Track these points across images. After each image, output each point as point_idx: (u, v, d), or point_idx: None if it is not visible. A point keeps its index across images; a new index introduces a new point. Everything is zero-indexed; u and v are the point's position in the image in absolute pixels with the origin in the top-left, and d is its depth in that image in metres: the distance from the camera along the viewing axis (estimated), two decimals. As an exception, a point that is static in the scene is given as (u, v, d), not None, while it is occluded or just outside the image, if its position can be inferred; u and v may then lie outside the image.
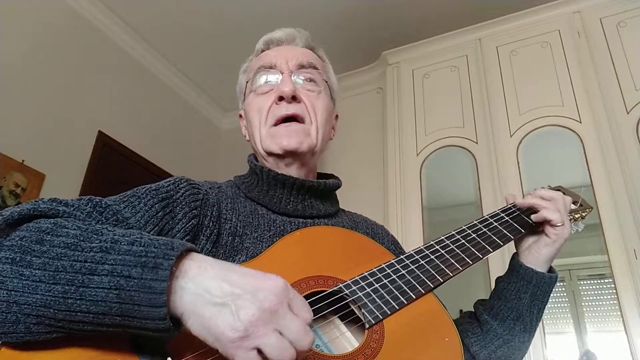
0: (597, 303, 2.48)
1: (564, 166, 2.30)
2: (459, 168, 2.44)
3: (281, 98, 0.76)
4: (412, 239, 2.18)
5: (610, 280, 1.83)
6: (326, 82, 0.83)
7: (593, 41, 2.22)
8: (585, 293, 2.52)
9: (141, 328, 0.44)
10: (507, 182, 2.12)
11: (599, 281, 2.49)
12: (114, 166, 2.80)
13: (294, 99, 0.76)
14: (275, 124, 0.76)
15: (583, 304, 2.50)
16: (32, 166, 2.35)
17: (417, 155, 2.40)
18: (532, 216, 0.78)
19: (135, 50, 3.08)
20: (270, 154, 0.77)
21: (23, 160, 2.31)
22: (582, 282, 2.54)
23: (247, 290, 0.44)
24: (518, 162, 2.15)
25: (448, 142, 2.36)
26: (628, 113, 2.02)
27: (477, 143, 2.29)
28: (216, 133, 3.80)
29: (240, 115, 0.87)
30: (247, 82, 0.83)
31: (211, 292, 0.44)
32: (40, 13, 2.52)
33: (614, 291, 1.79)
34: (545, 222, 0.76)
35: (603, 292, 2.48)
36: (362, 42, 2.96)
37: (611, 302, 2.09)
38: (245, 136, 0.85)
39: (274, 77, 0.79)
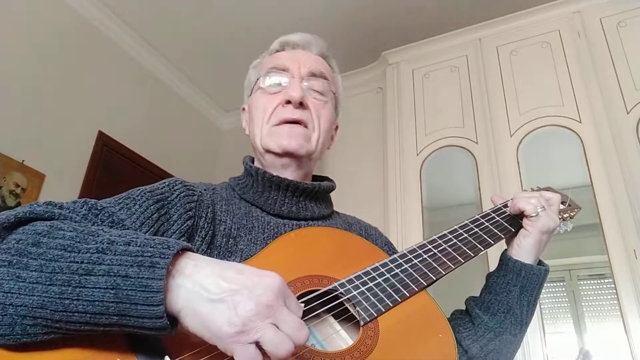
0: (597, 303, 2.48)
1: (564, 166, 2.29)
2: (459, 168, 2.43)
3: (288, 102, 0.77)
4: (412, 239, 2.17)
5: (610, 280, 1.82)
6: (334, 93, 0.84)
7: (593, 41, 2.21)
8: (585, 293, 2.52)
9: (138, 327, 0.45)
10: (507, 182, 2.12)
11: (599, 281, 2.49)
12: (114, 166, 2.80)
13: (301, 105, 0.77)
14: (278, 124, 0.77)
15: (583, 303, 2.50)
16: (32, 166, 2.35)
17: (417, 155, 2.40)
18: (507, 208, 0.80)
19: (135, 50, 3.08)
20: (268, 151, 0.78)
21: (23, 160, 2.31)
22: (582, 282, 2.54)
23: (244, 285, 0.44)
24: (518, 162, 2.15)
25: (448, 142, 2.36)
26: (628, 113, 2.02)
27: (477, 143, 2.28)
28: (216, 133, 3.80)
29: (244, 109, 0.88)
30: (257, 78, 0.84)
31: (208, 289, 0.44)
32: (41, 13, 2.53)
33: (614, 291, 1.79)
34: (523, 215, 0.78)
35: (603, 292, 2.47)
36: (362, 42, 2.96)
37: (611, 302, 2.09)
38: (245, 130, 0.86)
39: (284, 80, 0.80)
